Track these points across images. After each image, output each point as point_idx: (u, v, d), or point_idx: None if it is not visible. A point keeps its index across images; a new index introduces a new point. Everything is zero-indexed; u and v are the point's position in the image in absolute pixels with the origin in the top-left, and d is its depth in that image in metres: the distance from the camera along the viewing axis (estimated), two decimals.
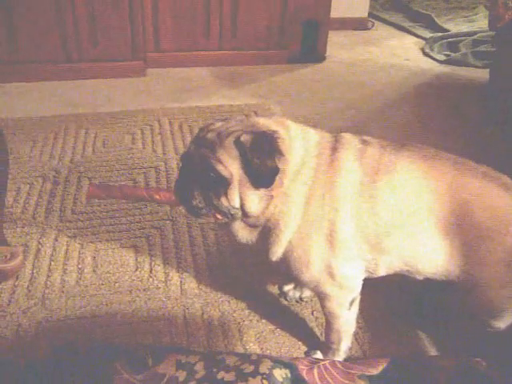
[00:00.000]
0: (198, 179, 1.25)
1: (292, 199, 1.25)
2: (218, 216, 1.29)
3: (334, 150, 1.29)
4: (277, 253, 1.30)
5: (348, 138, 1.33)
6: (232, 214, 1.27)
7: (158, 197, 1.40)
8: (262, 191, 1.23)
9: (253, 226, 1.31)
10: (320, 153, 1.28)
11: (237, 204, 1.24)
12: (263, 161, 1.19)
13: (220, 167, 1.21)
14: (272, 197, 1.24)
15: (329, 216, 1.25)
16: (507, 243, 1.25)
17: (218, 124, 1.29)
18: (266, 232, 1.30)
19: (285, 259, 1.31)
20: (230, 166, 1.21)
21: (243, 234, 1.33)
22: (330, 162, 1.27)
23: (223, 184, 1.22)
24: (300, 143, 1.27)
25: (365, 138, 1.35)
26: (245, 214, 1.26)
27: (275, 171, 1.20)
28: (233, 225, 1.33)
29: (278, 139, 1.23)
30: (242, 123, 1.28)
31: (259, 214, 1.26)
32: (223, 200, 1.24)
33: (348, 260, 1.29)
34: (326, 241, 1.26)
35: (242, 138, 1.20)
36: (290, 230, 1.27)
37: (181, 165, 1.34)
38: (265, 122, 1.28)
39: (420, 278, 1.37)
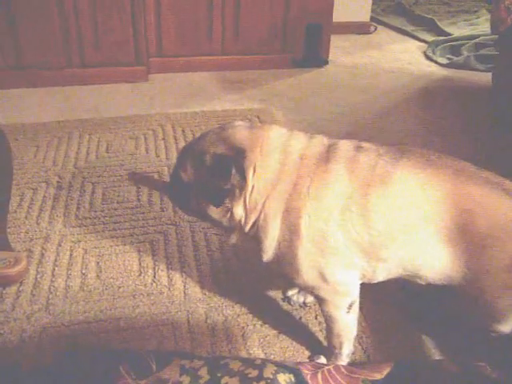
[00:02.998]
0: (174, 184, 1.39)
1: (268, 213, 1.27)
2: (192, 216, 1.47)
3: (326, 157, 1.28)
4: (265, 256, 1.32)
5: (342, 147, 1.31)
6: (208, 221, 1.40)
7: None
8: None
9: (230, 230, 1.37)
10: (304, 165, 1.27)
11: (200, 212, 1.35)
12: (214, 182, 1.25)
13: (183, 176, 1.31)
14: (229, 208, 1.29)
15: (318, 226, 1.24)
16: (510, 250, 1.24)
17: (203, 133, 1.37)
18: (254, 237, 1.33)
19: (278, 263, 1.32)
20: (191, 175, 1.30)
21: (232, 236, 1.39)
22: (317, 170, 1.26)
23: (185, 191, 1.33)
24: (275, 159, 1.27)
25: (363, 144, 1.33)
26: (216, 222, 1.37)
27: (223, 193, 1.26)
28: (225, 229, 1.42)
29: (240, 161, 1.25)
30: (218, 136, 1.32)
31: (227, 221, 1.33)
32: (186, 206, 1.37)
33: (341, 267, 1.28)
34: (317, 249, 1.25)
35: (204, 156, 1.28)
36: (271, 240, 1.28)
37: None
38: (239, 137, 1.30)
39: (422, 282, 1.37)
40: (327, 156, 1.28)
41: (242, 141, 1.29)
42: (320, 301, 1.37)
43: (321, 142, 1.33)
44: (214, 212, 1.32)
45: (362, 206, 1.24)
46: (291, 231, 1.26)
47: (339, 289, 1.32)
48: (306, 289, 1.37)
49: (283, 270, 1.34)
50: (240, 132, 1.32)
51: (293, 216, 1.25)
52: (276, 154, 1.28)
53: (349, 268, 1.29)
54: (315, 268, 1.28)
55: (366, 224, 1.24)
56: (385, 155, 1.28)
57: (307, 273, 1.29)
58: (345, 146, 1.31)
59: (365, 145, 1.33)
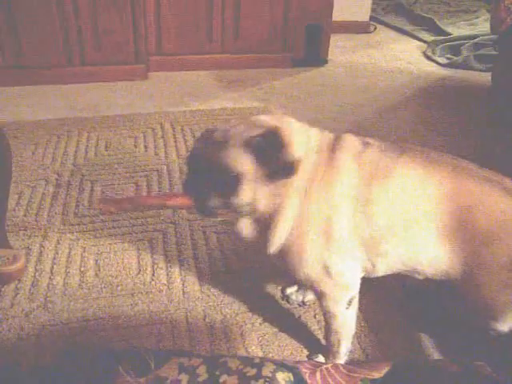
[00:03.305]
0: (210, 179, 1.24)
1: (290, 194, 1.25)
2: (229, 214, 1.28)
3: (334, 149, 1.30)
4: (273, 246, 1.30)
5: (349, 138, 1.33)
6: (242, 211, 1.26)
7: (170, 202, 1.35)
8: (272, 187, 1.23)
9: (257, 222, 1.31)
10: (320, 150, 1.29)
11: (248, 200, 1.24)
12: (281, 155, 1.20)
13: (232, 164, 1.21)
14: (280, 192, 1.24)
15: (326, 213, 1.25)
16: (508, 247, 1.24)
17: (222, 125, 1.30)
18: (266, 226, 1.30)
19: (282, 256, 1.32)
20: (242, 162, 1.21)
21: (248, 230, 1.33)
22: (329, 161, 1.28)
23: (235, 181, 1.21)
24: (301, 139, 1.28)
25: (367, 139, 1.35)
26: (254, 210, 1.26)
27: (297, 162, 1.22)
28: (239, 222, 1.32)
29: (284, 135, 1.23)
30: (245, 122, 1.29)
31: (266, 209, 1.26)
32: (235, 197, 1.23)
33: (344, 259, 1.29)
34: (323, 238, 1.26)
35: (253, 135, 1.21)
36: (287, 225, 1.27)
37: (189, 166, 1.33)
38: (266, 119, 1.29)
39: (420, 277, 1.38)
40: (336, 145, 1.31)
41: (271, 122, 1.28)
42: (320, 296, 1.37)
43: (329, 136, 1.35)
44: (265, 198, 1.24)
45: (365, 197, 1.26)
46: (303, 218, 1.26)
47: (341, 282, 1.32)
48: (307, 282, 1.36)
49: (287, 263, 1.33)
50: (263, 117, 1.32)
51: (307, 203, 1.26)
52: (300, 135, 1.29)
53: (351, 260, 1.31)
54: (319, 259, 1.29)
55: (368, 216, 1.26)
56: (386, 151, 1.31)
57: (311, 264, 1.29)
58: (351, 138, 1.34)
59: (369, 140, 1.36)
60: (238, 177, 1.21)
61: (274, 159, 1.20)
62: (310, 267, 1.30)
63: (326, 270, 1.30)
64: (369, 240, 1.27)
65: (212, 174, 1.24)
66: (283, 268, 1.38)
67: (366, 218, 1.26)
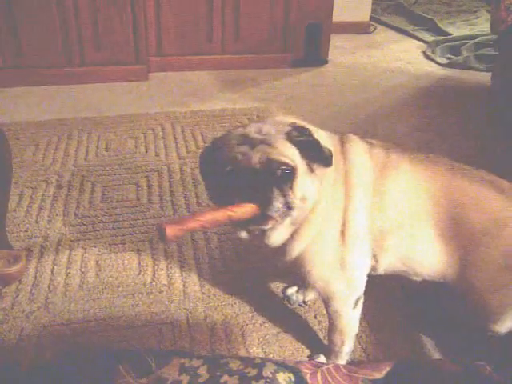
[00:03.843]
0: (266, 178, 1.18)
1: (324, 186, 1.27)
2: (276, 217, 1.21)
3: (344, 145, 1.34)
4: (298, 248, 1.30)
5: (354, 137, 1.37)
6: (294, 209, 1.22)
7: (237, 216, 1.19)
8: (313, 178, 1.23)
9: (290, 227, 1.28)
10: (332, 146, 1.30)
11: (301, 194, 1.21)
12: (320, 145, 1.22)
13: (286, 159, 1.18)
14: (319, 183, 1.25)
15: (343, 205, 1.28)
16: (502, 246, 1.26)
17: (248, 128, 1.25)
18: (298, 227, 1.28)
19: (299, 257, 1.32)
20: (293, 155, 1.20)
21: (282, 237, 1.29)
22: (342, 155, 1.31)
23: (291, 175, 1.19)
24: (317, 135, 1.28)
25: (369, 140, 1.39)
26: (305, 204, 1.23)
27: (331, 151, 1.24)
28: (274, 230, 1.27)
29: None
30: (267, 121, 1.28)
31: (311, 203, 1.24)
32: (292, 192, 1.19)
33: (358, 254, 1.32)
34: (340, 235, 1.29)
35: (289, 130, 1.22)
36: (318, 223, 1.27)
37: (234, 172, 1.21)
38: (283, 118, 1.31)
39: (418, 279, 1.40)
40: (348, 144, 1.35)
41: (293, 121, 1.29)
42: (328, 297, 1.37)
43: (334, 135, 1.38)
44: (313, 187, 1.23)
45: (379, 188, 1.30)
46: (330, 215, 1.28)
47: (352, 280, 1.34)
48: (318, 282, 1.35)
49: (302, 265, 1.32)
50: (279, 117, 1.34)
51: (334, 201, 1.28)
52: (315, 132, 1.29)
53: (361, 257, 1.33)
54: (336, 257, 1.30)
55: (381, 208, 1.30)
56: (390, 149, 1.36)
57: (328, 264, 1.31)
58: (356, 137, 1.38)
59: (371, 140, 1.39)
60: (294, 170, 1.19)
61: (316, 150, 1.22)
62: (326, 266, 1.32)
63: (342, 266, 1.32)
64: (378, 234, 1.31)
65: (267, 173, 1.18)
66: (296, 271, 1.38)
67: (379, 211, 1.30)
